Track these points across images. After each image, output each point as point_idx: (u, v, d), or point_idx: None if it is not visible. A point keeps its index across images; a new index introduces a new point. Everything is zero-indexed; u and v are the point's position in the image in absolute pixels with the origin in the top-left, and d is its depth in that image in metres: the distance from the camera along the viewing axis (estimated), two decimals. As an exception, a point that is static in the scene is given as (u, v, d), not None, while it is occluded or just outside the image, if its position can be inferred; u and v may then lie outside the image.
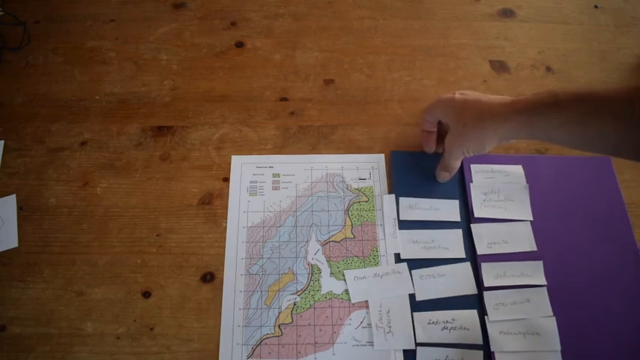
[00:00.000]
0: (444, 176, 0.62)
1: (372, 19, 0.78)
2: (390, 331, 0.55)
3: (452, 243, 0.60)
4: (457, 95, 0.57)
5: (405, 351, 0.54)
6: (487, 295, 0.57)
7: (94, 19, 0.77)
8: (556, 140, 0.51)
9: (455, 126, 0.57)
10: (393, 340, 0.55)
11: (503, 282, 0.57)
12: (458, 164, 0.61)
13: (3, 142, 0.67)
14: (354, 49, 0.75)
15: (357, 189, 0.64)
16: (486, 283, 0.57)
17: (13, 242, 0.60)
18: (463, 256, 0.59)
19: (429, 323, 0.56)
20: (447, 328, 0.55)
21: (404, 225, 0.61)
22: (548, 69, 0.74)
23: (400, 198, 0.63)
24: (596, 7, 0.81)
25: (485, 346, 0.55)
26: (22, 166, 0.65)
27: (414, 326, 0.55)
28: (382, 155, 0.66)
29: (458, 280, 0.58)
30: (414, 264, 0.59)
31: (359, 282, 0.58)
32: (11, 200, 0.63)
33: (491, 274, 0.58)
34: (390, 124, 0.69)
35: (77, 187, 0.64)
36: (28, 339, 0.55)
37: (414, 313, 0.56)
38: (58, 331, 0.56)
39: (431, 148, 0.64)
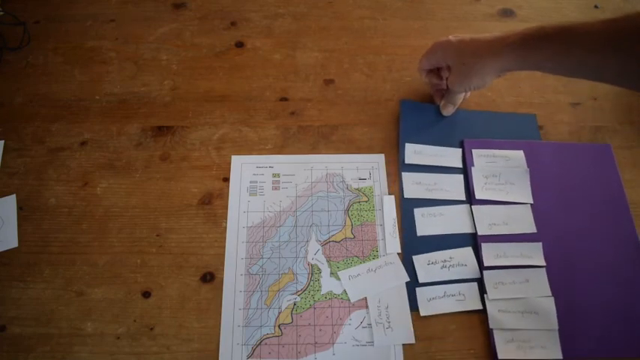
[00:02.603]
0: (449, 109, 0.67)
1: (372, 19, 0.78)
2: (389, 326, 0.55)
3: (453, 186, 0.64)
4: (451, 38, 0.60)
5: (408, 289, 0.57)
6: (487, 275, 0.58)
7: (94, 19, 0.77)
8: (544, 69, 0.55)
9: (456, 65, 0.60)
10: (393, 335, 0.55)
11: (503, 262, 0.59)
12: (461, 98, 0.67)
13: (3, 142, 0.67)
14: (354, 49, 0.75)
15: (357, 189, 0.64)
16: (486, 263, 0.58)
17: (13, 242, 0.60)
18: (463, 198, 0.63)
19: (428, 264, 0.59)
20: (445, 267, 0.59)
21: (409, 168, 0.65)
22: (548, 69, 0.74)
23: (407, 144, 0.66)
24: (596, 7, 0.81)
25: (481, 279, 0.58)
26: (22, 166, 0.65)
27: (415, 270, 0.58)
28: (382, 155, 0.66)
29: (456, 220, 0.62)
30: (417, 203, 0.63)
31: (354, 280, 0.58)
32: (11, 200, 0.63)
33: (491, 254, 0.59)
34: (390, 124, 0.69)
35: (77, 187, 0.64)
36: (28, 339, 0.55)
37: (414, 257, 0.59)
38: (58, 331, 0.56)
39: (439, 96, 0.68)
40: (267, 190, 0.64)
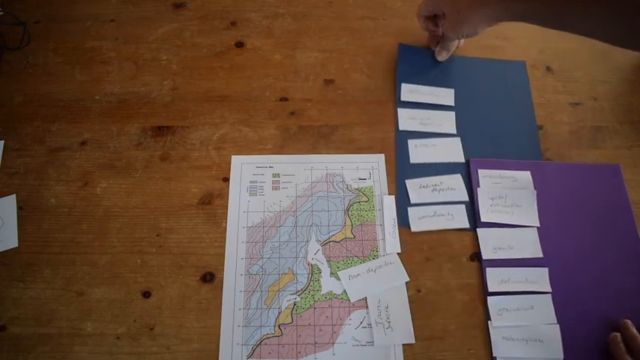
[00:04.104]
0: (443, 55, 0.72)
1: (372, 19, 0.78)
2: (389, 326, 0.56)
3: (445, 122, 0.68)
4: None
5: (400, 216, 0.62)
6: (491, 301, 0.57)
7: (94, 19, 0.77)
8: (530, 20, 0.57)
9: (450, 14, 0.63)
10: (393, 335, 0.55)
11: (507, 287, 0.57)
12: (455, 45, 0.72)
13: (3, 142, 0.67)
14: (354, 49, 0.75)
15: (357, 189, 0.64)
16: (491, 288, 0.57)
17: (13, 242, 0.60)
18: (454, 132, 0.67)
19: (420, 187, 0.63)
20: (436, 190, 0.63)
21: (405, 105, 0.69)
22: (548, 69, 0.74)
23: (403, 84, 0.70)
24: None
25: (471, 201, 0.62)
26: (22, 166, 0.65)
27: (407, 192, 0.63)
28: (382, 155, 0.66)
29: (447, 150, 0.66)
30: (411, 135, 0.67)
31: (354, 280, 0.58)
32: (11, 200, 0.63)
33: (496, 280, 0.58)
34: (390, 124, 0.69)
35: (77, 187, 0.64)
36: (28, 339, 0.55)
37: (407, 181, 0.63)
38: (58, 331, 0.56)
39: (434, 42, 0.73)
40: (267, 190, 0.64)
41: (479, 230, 0.61)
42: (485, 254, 0.59)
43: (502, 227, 0.61)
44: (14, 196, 0.63)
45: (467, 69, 0.72)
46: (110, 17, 0.78)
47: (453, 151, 0.66)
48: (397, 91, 0.70)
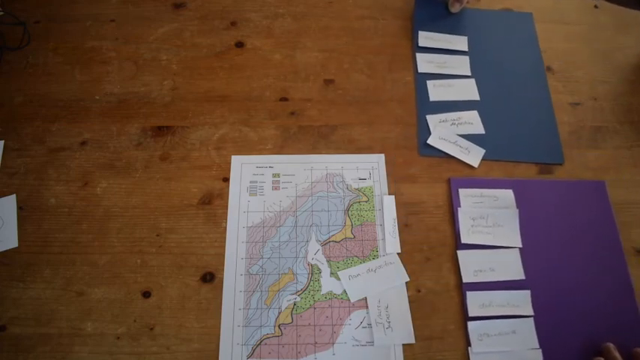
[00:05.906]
0: (456, 7, 0.78)
1: (372, 19, 0.78)
2: (389, 326, 0.56)
3: (460, 65, 0.74)
4: None
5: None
6: (471, 326, 0.56)
7: (94, 19, 0.77)
8: None
9: None
10: (393, 335, 0.55)
11: (488, 312, 0.56)
12: None
13: (3, 142, 0.67)
14: (354, 49, 0.75)
15: (357, 189, 0.64)
16: (471, 313, 0.56)
17: (13, 242, 0.60)
18: (469, 74, 0.73)
19: (440, 122, 0.68)
20: (455, 124, 0.68)
21: (423, 50, 0.75)
22: (548, 69, 0.74)
23: (420, 31, 0.76)
24: (596, 7, 0.81)
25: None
26: (22, 166, 0.65)
27: (428, 127, 0.68)
28: (382, 155, 0.66)
29: (463, 90, 0.71)
30: (430, 77, 0.73)
31: (354, 280, 0.58)
32: (11, 200, 0.63)
33: (476, 304, 0.57)
34: (390, 124, 0.69)
35: (77, 187, 0.64)
36: (28, 339, 0.55)
37: (427, 116, 0.69)
38: (58, 331, 0.56)
39: None
40: (267, 190, 0.64)
41: (459, 252, 0.59)
42: (466, 277, 0.58)
43: (483, 249, 0.60)
44: (14, 196, 0.63)
45: (478, 19, 0.78)
46: (110, 17, 0.78)
47: (468, 90, 0.72)
48: (414, 38, 0.76)
